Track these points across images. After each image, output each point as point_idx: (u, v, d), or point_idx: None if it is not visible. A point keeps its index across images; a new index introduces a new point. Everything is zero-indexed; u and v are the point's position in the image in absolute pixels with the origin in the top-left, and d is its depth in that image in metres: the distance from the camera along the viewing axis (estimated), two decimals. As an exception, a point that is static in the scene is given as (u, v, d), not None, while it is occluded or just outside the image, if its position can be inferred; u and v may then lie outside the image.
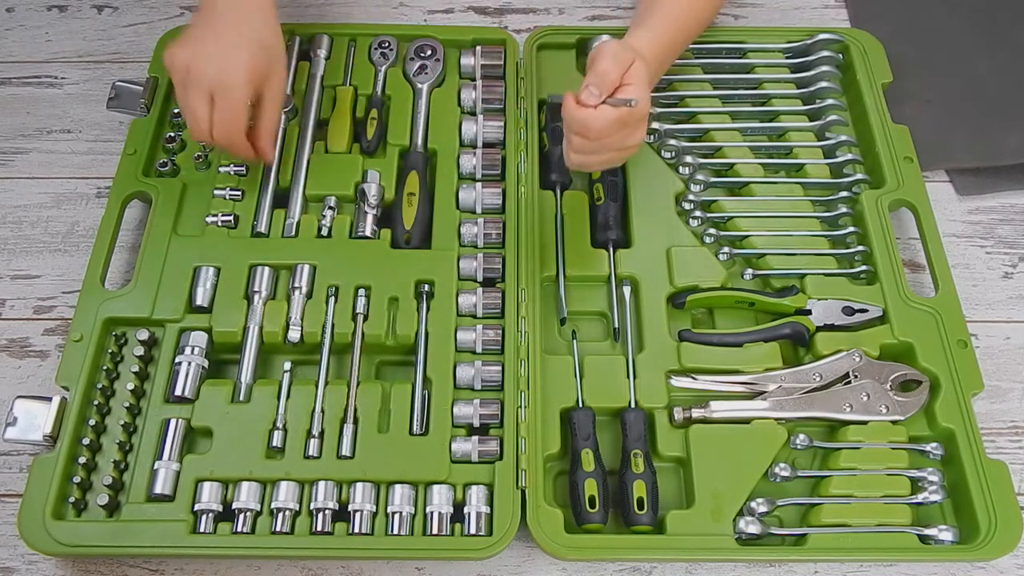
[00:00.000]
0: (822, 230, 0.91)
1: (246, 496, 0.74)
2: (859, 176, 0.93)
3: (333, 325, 0.82)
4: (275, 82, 0.84)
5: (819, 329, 0.84)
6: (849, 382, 0.81)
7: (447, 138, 0.94)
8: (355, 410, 0.79)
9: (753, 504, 0.76)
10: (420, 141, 0.94)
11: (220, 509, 0.75)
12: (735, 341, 0.83)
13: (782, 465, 0.78)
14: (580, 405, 0.80)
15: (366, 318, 0.83)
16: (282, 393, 0.79)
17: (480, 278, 0.86)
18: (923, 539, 0.75)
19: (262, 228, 0.88)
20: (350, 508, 0.75)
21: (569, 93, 0.76)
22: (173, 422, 0.77)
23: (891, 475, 0.76)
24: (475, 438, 0.78)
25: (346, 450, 0.77)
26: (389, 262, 0.86)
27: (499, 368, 0.81)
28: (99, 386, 0.79)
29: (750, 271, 0.88)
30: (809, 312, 0.84)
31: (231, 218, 0.88)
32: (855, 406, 0.79)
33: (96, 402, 0.78)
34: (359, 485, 0.75)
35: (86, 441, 0.76)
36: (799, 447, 0.79)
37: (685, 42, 0.92)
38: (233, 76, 0.80)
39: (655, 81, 0.87)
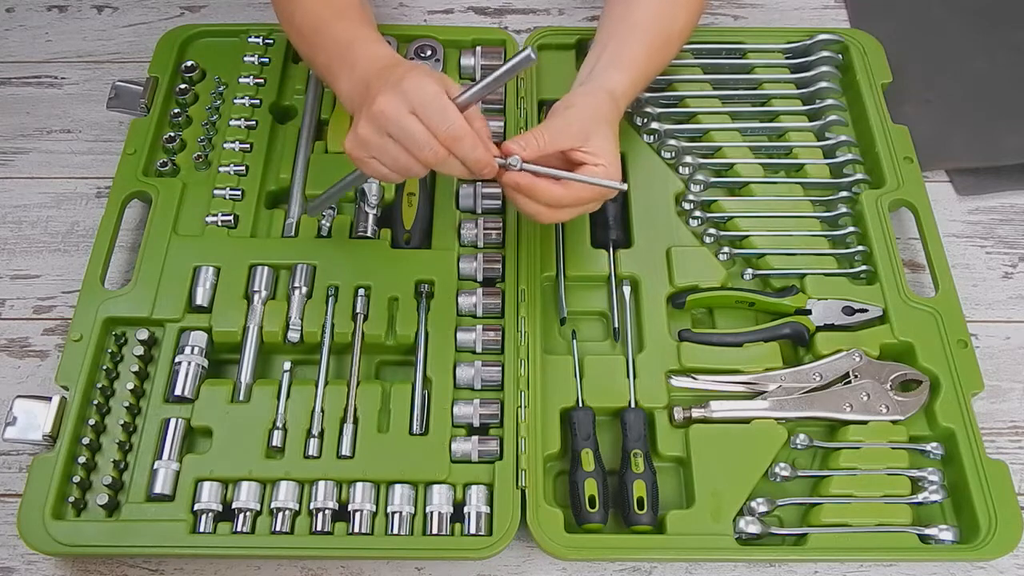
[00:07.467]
0: (822, 230, 0.91)
1: (246, 496, 0.74)
2: (859, 176, 0.93)
3: (333, 325, 0.82)
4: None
5: (819, 329, 0.84)
6: (849, 382, 0.81)
7: (447, 138, 0.94)
8: (355, 410, 0.79)
9: (753, 504, 0.76)
10: (420, 141, 0.94)
11: (220, 509, 0.74)
12: (735, 341, 0.83)
13: (782, 465, 0.77)
14: (580, 405, 0.80)
15: (366, 318, 0.83)
16: (282, 393, 0.79)
17: (480, 278, 0.86)
18: (923, 539, 0.75)
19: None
20: (350, 508, 0.75)
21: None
22: (173, 422, 0.77)
23: (891, 475, 0.76)
24: (475, 438, 0.78)
25: (346, 450, 0.77)
26: (389, 262, 0.86)
27: (499, 368, 0.81)
28: (99, 386, 0.79)
29: (750, 271, 0.88)
30: (809, 312, 0.84)
31: (231, 218, 0.88)
32: (855, 406, 0.79)
33: (96, 402, 0.78)
34: (359, 485, 0.75)
35: (86, 441, 0.76)
36: (799, 447, 0.79)
37: (654, 76, 0.88)
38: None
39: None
